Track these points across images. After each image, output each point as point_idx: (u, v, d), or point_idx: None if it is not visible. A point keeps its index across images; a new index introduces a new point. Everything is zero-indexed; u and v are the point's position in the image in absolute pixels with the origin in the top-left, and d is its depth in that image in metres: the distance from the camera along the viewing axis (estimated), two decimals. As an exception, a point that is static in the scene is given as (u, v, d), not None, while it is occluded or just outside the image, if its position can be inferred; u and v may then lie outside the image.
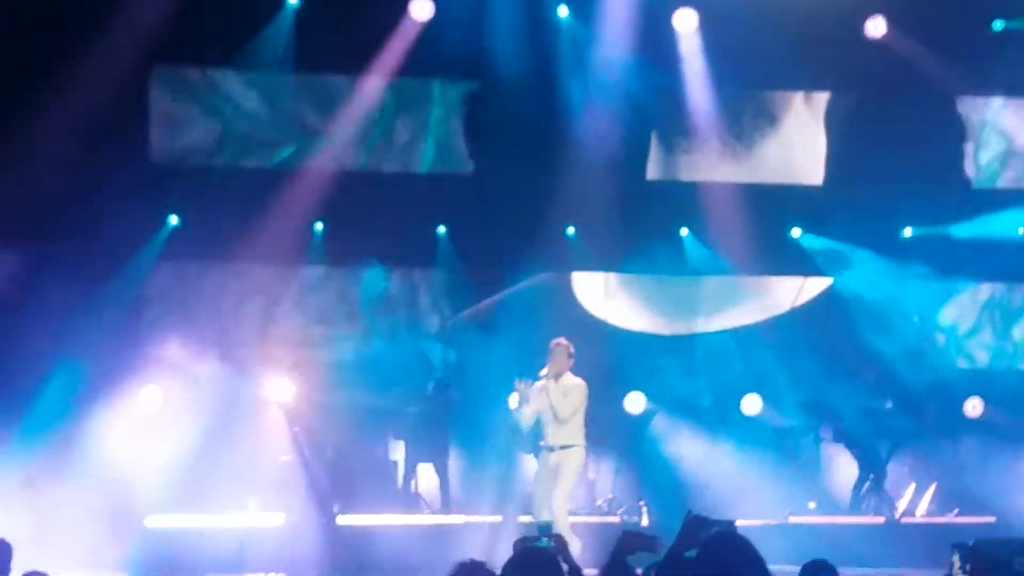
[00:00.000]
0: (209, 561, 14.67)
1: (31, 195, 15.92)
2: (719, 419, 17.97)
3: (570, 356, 13.79)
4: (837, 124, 19.00)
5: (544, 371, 13.70)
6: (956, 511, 17.35)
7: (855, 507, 17.66)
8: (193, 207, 17.32)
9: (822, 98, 19.10)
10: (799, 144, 19.14)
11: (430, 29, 17.48)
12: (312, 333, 16.96)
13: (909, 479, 17.91)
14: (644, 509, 16.62)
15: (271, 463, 15.83)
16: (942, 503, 17.59)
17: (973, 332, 19.69)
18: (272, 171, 17.92)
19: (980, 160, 19.49)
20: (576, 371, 13.93)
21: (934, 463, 18.19)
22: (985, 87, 19.00)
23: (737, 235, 18.31)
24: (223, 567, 14.70)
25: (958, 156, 19.34)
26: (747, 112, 18.92)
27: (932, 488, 17.65)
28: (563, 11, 18.01)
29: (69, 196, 16.27)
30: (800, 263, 19.13)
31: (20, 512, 13.62)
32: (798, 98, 19.16)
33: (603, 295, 18.90)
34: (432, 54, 17.53)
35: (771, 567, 5.86)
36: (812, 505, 17.51)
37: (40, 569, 8.54)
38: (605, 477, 17.65)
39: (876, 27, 18.31)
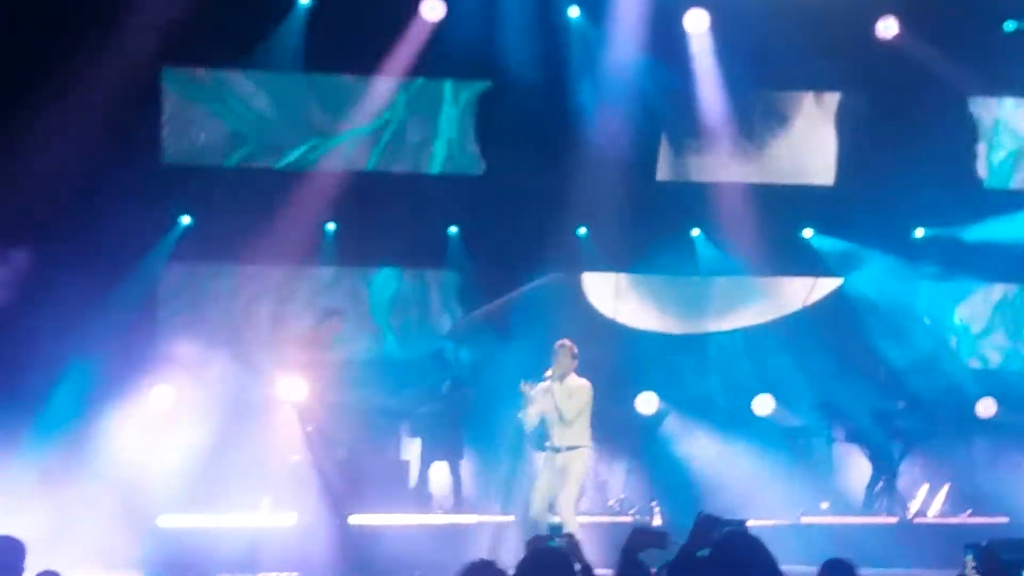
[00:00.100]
0: (221, 561, 14.68)
1: (43, 195, 15.95)
2: (731, 419, 17.96)
3: (574, 357, 13.77)
4: (848, 124, 18.99)
5: (549, 372, 13.70)
6: (969, 511, 17.33)
7: (868, 507, 17.65)
8: (204, 207, 17.36)
9: (833, 98, 19.09)
10: (810, 145, 19.13)
11: (441, 30, 17.49)
12: (323, 333, 16.95)
13: (922, 479, 17.89)
14: (656, 509, 16.61)
15: (283, 463, 15.83)
16: (955, 503, 17.56)
17: (985, 333, 19.67)
18: (283, 171, 17.95)
19: (992, 160, 19.47)
20: (589, 371, 13.93)
21: (947, 463, 18.16)
22: (997, 87, 18.99)
23: (748, 236, 18.30)
24: (235, 567, 14.71)
25: (970, 157, 19.32)
26: (758, 112, 18.91)
27: (945, 488, 17.63)
28: (574, 12, 18.02)
29: (81, 196, 16.30)
30: (811, 263, 19.11)
31: (33, 511, 13.63)
32: (809, 99, 19.15)
33: (614, 295, 18.90)
34: (443, 55, 17.54)
35: (783, 567, 5.86)
36: (824, 505, 17.49)
37: (53, 568, 8.58)
38: (617, 477, 17.66)
39: (887, 28, 18.29)
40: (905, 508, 17.41)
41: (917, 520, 17.19)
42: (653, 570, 6.87)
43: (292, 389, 16.01)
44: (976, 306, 19.70)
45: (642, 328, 18.84)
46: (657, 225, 18.24)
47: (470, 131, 18.55)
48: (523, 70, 17.59)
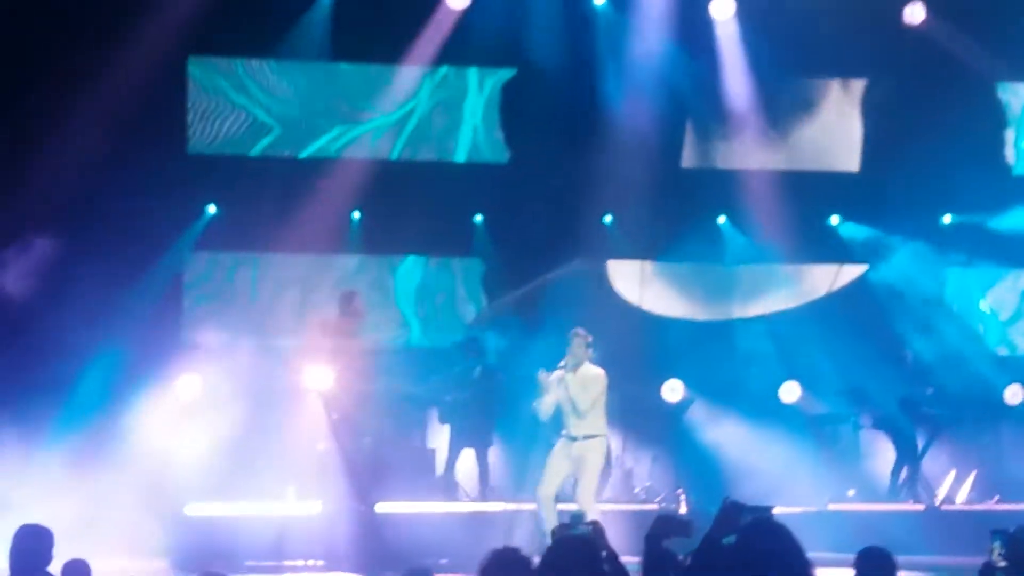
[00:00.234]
0: (248, 549, 14.71)
1: (70, 185, 16.01)
2: (757, 407, 17.91)
3: (588, 346, 13.68)
4: (874, 111, 18.92)
5: (563, 362, 13.65)
6: (996, 498, 17.27)
7: (894, 494, 17.59)
8: (230, 197, 17.39)
9: (859, 85, 19.03)
10: (836, 131, 19.08)
11: (467, 17, 17.48)
12: (349, 322, 16.96)
13: (949, 466, 17.82)
14: (682, 497, 16.59)
15: (309, 451, 15.84)
16: (982, 490, 17.50)
17: (1013, 320, 19.59)
18: (309, 160, 17.97)
19: (1021, 147, 19.38)
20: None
21: (974, 450, 18.09)
22: (1025, 73, 18.90)
23: (774, 223, 18.25)
24: (262, 555, 14.74)
25: (998, 143, 19.24)
26: (783, 99, 18.85)
27: (972, 475, 17.57)
28: (599, -2, 18.01)
29: (107, 186, 16.35)
30: (837, 250, 19.06)
31: (61, 500, 13.68)
32: (835, 85, 19.09)
33: (639, 283, 18.87)
34: (469, 42, 17.53)
35: (810, 555, 5.84)
36: (851, 492, 17.45)
37: (81, 556, 8.61)
38: (643, 465, 17.63)
39: (914, 13, 18.21)
40: (932, 495, 17.36)
41: (944, 507, 17.14)
42: (680, 557, 6.86)
43: (318, 377, 16.02)
44: (1004, 293, 19.62)
45: (668, 315, 18.82)
46: (683, 212, 18.21)
47: (495, 119, 18.54)
48: (548, 57, 17.56)
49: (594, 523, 7.43)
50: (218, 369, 16.19)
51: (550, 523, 13.06)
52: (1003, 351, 19.46)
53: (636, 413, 17.32)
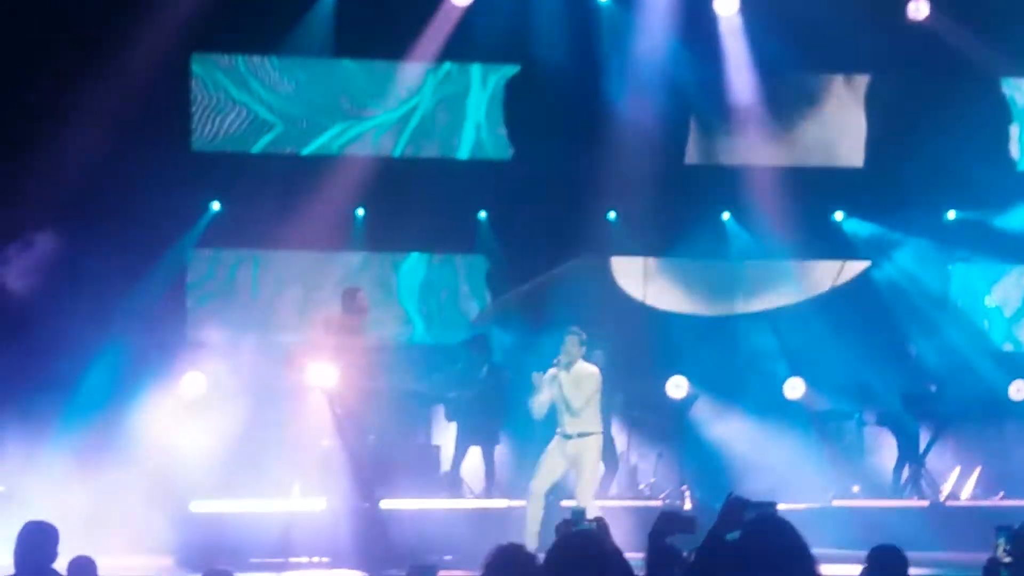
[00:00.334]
0: (253, 546, 14.71)
1: (73, 183, 16.02)
2: (762, 403, 17.91)
3: (581, 344, 13.71)
4: (878, 107, 18.91)
5: (557, 360, 13.65)
6: (1001, 494, 17.27)
7: (899, 491, 17.59)
8: (232, 194, 17.40)
9: (863, 80, 19.02)
10: (840, 127, 19.07)
11: (470, 14, 17.47)
12: (353, 318, 16.95)
13: (954, 462, 17.81)
14: (687, 493, 16.58)
15: (313, 448, 15.84)
16: (987, 486, 17.50)
17: (1018, 315, 19.57)
18: (311, 157, 17.98)
19: (1025, 142, 19.38)
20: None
21: (979, 446, 18.08)
22: (1030, 68, 18.89)
23: (778, 219, 18.25)
24: (266, 551, 14.74)
25: (1003, 138, 19.23)
26: (787, 95, 18.84)
27: (977, 471, 17.56)
28: (603, -6, 18.01)
29: (111, 183, 16.37)
30: (841, 247, 19.06)
31: (66, 497, 13.69)
32: (839, 81, 19.07)
33: (643, 279, 18.87)
34: (472, 39, 17.54)
35: (814, 551, 5.83)
36: (856, 489, 17.45)
37: (86, 553, 8.61)
38: (647, 461, 17.63)
39: (918, 9, 18.20)
40: (937, 491, 17.35)
41: (949, 503, 17.12)
42: (684, 553, 6.85)
43: (322, 374, 16.01)
44: (1009, 289, 19.61)
45: (672, 312, 18.81)
46: (687, 209, 18.21)
47: (499, 116, 18.54)
48: (552, 54, 17.56)
49: (599, 519, 7.42)
50: (222, 366, 16.20)
51: (533, 519, 13.13)
52: (1008, 347, 19.46)
53: (640, 409, 17.34)
